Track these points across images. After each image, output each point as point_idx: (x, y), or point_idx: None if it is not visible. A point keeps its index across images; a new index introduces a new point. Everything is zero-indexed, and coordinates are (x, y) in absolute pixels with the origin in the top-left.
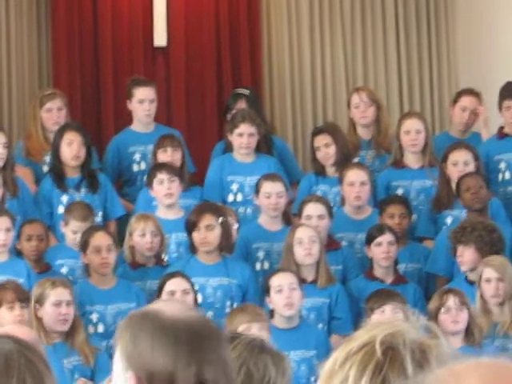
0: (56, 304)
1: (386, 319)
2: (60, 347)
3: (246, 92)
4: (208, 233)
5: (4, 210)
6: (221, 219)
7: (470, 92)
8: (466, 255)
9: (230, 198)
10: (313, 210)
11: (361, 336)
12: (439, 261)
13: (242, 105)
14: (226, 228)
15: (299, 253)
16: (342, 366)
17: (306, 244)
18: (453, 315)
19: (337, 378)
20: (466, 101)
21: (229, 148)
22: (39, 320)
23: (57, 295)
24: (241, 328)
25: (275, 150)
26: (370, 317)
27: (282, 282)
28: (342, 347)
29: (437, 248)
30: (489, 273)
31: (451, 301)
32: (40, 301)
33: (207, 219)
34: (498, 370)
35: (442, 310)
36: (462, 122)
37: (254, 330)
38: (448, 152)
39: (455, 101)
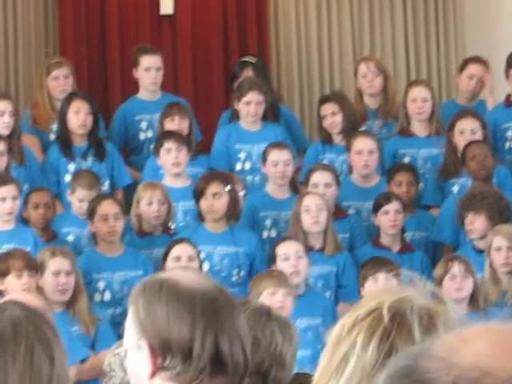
0: (55, 273)
1: (380, 287)
2: (61, 316)
3: (253, 60)
4: (215, 201)
5: (10, 179)
6: (228, 187)
7: (477, 60)
8: (477, 223)
9: (238, 166)
10: (320, 178)
11: (368, 302)
12: (445, 229)
13: (248, 73)
14: (233, 196)
15: (306, 221)
16: (349, 332)
17: (313, 212)
18: (457, 282)
19: (344, 344)
20: (473, 68)
21: (235, 116)
22: (40, 289)
23: (56, 264)
24: (266, 293)
25: (282, 118)
26: (363, 285)
27: (288, 250)
28: (349, 313)
29: (443, 216)
30: (499, 241)
31: (456, 268)
32: (40, 270)
33: (214, 187)
34: (508, 335)
35: (447, 277)
36: (469, 89)
37: (279, 295)
38: (455, 120)
39: (462, 68)
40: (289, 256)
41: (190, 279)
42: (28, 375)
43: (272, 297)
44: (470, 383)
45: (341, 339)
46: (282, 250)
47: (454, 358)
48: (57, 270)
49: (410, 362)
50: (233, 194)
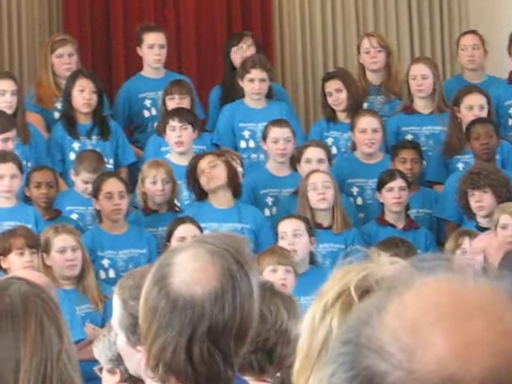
0: (61, 250)
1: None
2: (72, 294)
3: (250, 32)
4: (212, 169)
5: (10, 157)
6: (222, 159)
7: (467, 32)
8: (485, 200)
9: (243, 144)
10: (312, 153)
11: (333, 286)
12: (449, 206)
13: (248, 41)
14: (230, 167)
15: (313, 198)
16: (321, 322)
17: (319, 189)
18: (468, 258)
19: (320, 333)
20: (465, 39)
21: (229, 93)
22: (48, 268)
23: (61, 242)
24: (267, 270)
25: (274, 95)
26: None
27: (286, 228)
28: (316, 302)
29: (446, 193)
30: (506, 219)
31: (467, 244)
32: (46, 249)
33: (209, 158)
34: (461, 316)
35: (458, 252)
36: (468, 59)
37: (280, 272)
38: (461, 95)
39: (457, 46)
40: (286, 234)
41: (188, 289)
42: (39, 348)
43: (273, 274)
44: None
45: (314, 329)
46: (281, 228)
47: (414, 364)
48: (62, 247)
49: (367, 362)
50: (229, 165)
